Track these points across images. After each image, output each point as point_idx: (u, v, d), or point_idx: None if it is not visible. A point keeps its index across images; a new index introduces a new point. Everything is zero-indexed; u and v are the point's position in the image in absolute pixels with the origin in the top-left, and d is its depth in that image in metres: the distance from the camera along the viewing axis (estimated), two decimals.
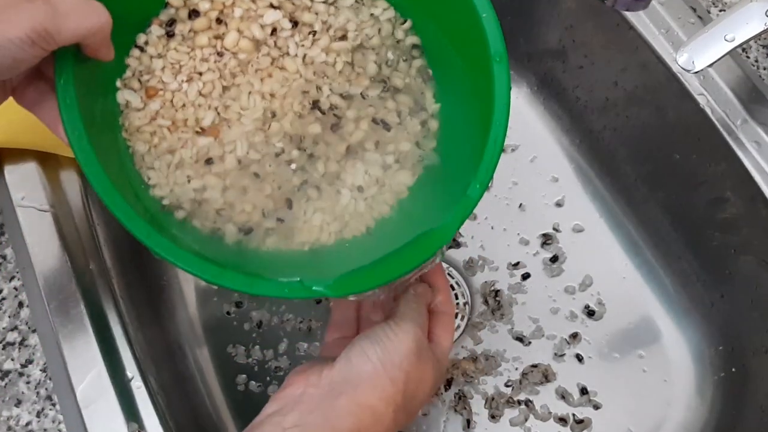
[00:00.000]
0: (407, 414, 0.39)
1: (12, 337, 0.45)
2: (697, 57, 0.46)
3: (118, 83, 0.39)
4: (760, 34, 0.45)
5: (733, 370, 0.58)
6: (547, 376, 0.60)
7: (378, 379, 0.37)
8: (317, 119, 0.40)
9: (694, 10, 0.56)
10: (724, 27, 0.46)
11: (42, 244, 0.46)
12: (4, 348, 0.44)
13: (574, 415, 0.59)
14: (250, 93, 0.40)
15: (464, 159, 0.39)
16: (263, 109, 0.40)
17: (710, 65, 0.46)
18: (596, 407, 0.59)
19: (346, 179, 0.40)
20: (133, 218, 0.34)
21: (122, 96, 0.38)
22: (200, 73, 0.40)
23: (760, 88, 0.54)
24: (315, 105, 0.40)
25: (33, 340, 0.45)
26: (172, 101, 0.39)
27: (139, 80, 0.39)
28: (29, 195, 0.48)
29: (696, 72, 0.47)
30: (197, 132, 0.39)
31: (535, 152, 0.69)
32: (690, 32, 0.55)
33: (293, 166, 0.40)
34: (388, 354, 0.38)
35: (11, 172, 0.48)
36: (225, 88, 0.40)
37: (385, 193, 0.41)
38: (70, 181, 0.50)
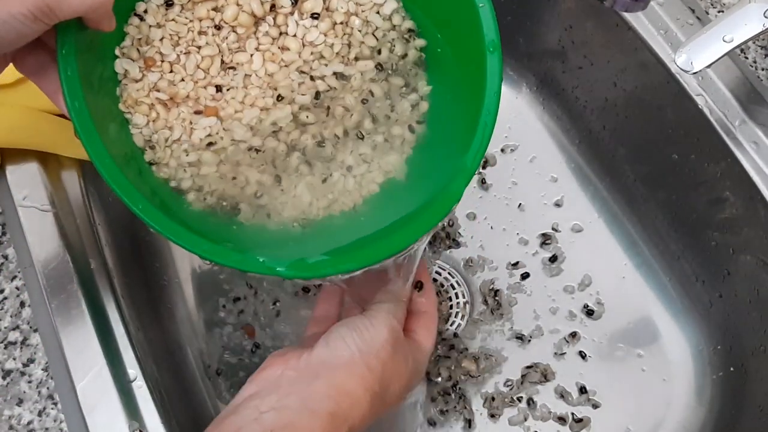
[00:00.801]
0: (384, 403, 0.40)
1: (14, 336, 0.45)
2: (696, 58, 0.46)
3: (117, 51, 0.39)
4: (758, 35, 0.45)
5: (732, 369, 0.58)
6: (546, 376, 0.60)
7: (355, 366, 0.38)
8: (313, 99, 0.40)
9: (693, 10, 0.56)
10: (722, 28, 0.46)
11: (43, 243, 0.46)
12: (5, 347, 0.44)
13: (573, 414, 0.59)
14: (247, 75, 0.40)
15: (451, 147, 0.39)
16: (261, 87, 0.40)
17: (709, 66, 0.46)
18: (595, 406, 0.59)
19: (337, 157, 0.41)
20: (129, 189, 0.34)
21: (120, 65, 0.38)
22: (199, 47, 0.40)
23: (758, 89, 0.54)
24: (312, 85, 0.40)
25: (34, 339, 0.45)
26: (171, 73, 0.39)
27: (138, 50, 0.39)
28: (31, 195, 0.48)
29: (694, 72, 0.46)
30: (197, 112, 0.39)
31: (534, 152, 0.69)
32: (688, 33, 0.55)
33: (287, 144, 0.40)
34: (365, 342, 0.39)
35: (13, 172, 0.48)
36: (224, 65, 0.40)
37: (373, 171, 0.41)
38: (72, 181, 0.50)
